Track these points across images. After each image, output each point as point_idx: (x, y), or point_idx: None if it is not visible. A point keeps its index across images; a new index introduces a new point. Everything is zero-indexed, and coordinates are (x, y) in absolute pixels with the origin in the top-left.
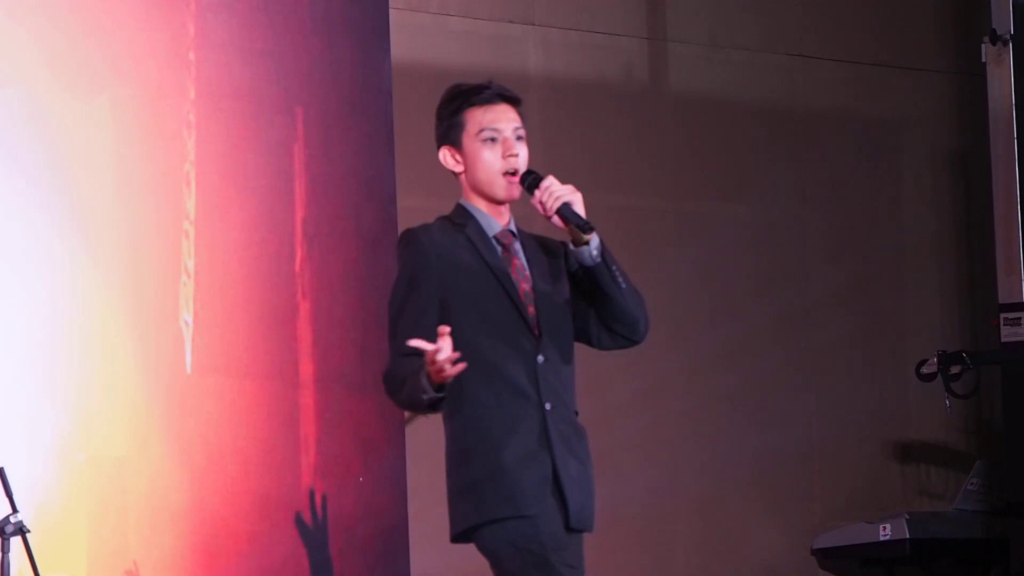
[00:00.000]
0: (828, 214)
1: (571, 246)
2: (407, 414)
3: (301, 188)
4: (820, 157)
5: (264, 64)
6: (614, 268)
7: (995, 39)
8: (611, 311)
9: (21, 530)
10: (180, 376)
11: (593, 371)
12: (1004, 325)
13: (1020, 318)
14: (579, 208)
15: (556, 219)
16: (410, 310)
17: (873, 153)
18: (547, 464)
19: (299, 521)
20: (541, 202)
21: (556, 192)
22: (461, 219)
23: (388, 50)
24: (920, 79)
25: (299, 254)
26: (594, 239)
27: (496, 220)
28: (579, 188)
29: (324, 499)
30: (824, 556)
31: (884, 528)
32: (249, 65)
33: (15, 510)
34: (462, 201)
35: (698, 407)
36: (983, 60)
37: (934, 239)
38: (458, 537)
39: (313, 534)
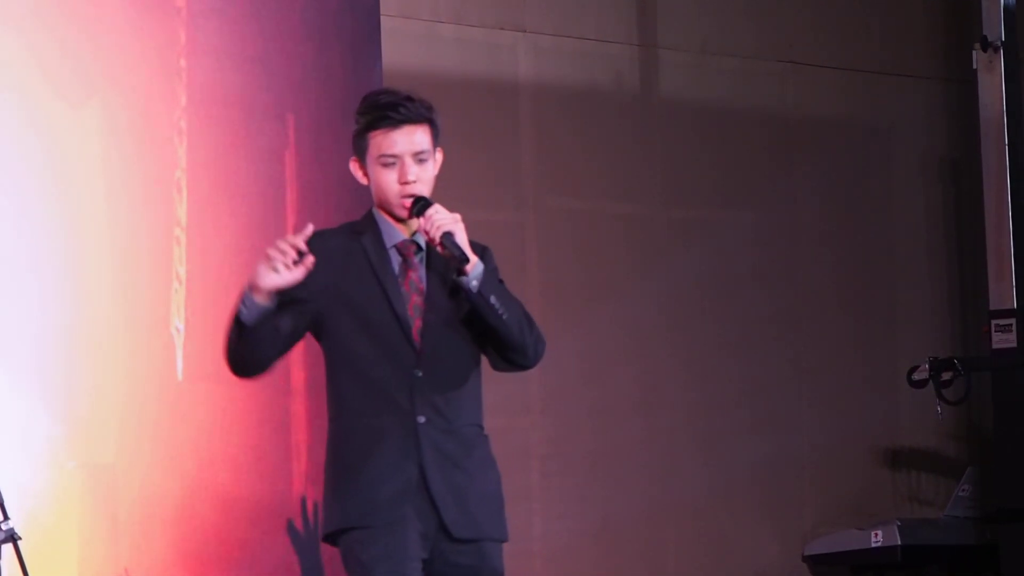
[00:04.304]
0: (819, 220)
1: (454, 274)
2: None
3: (292, 195)
4: (811, 164)
5: (255, 71)
6: (492, 299)
7: (986, 46)
8: (494, 339)
9: (12, 537)
10: (171, 383)
11: (584, 377)
12: (995, 331)
13: (1011, 324)
14: (461, 238)
15: (439, 247)
16: (292, 296)
17: (864, 159)
18: (411, 476)
19: (291, 528)
20: (425, 230)
21: (437, 222)
22: (362, 227)
23: (379, 57)
24: (911, 86)
25: None
26: (476, 269)
27: (399, 230)
28: (570, 194)
29: (316, 506)
30: (815, 563)
31: (875, 534)
32: (240, 72)
33: (6, 517)
34: (372, 208)
35: (691, 414)
36: (974, 67)
37: (926, 245)
38: (326, 538)
39: (304, 541)
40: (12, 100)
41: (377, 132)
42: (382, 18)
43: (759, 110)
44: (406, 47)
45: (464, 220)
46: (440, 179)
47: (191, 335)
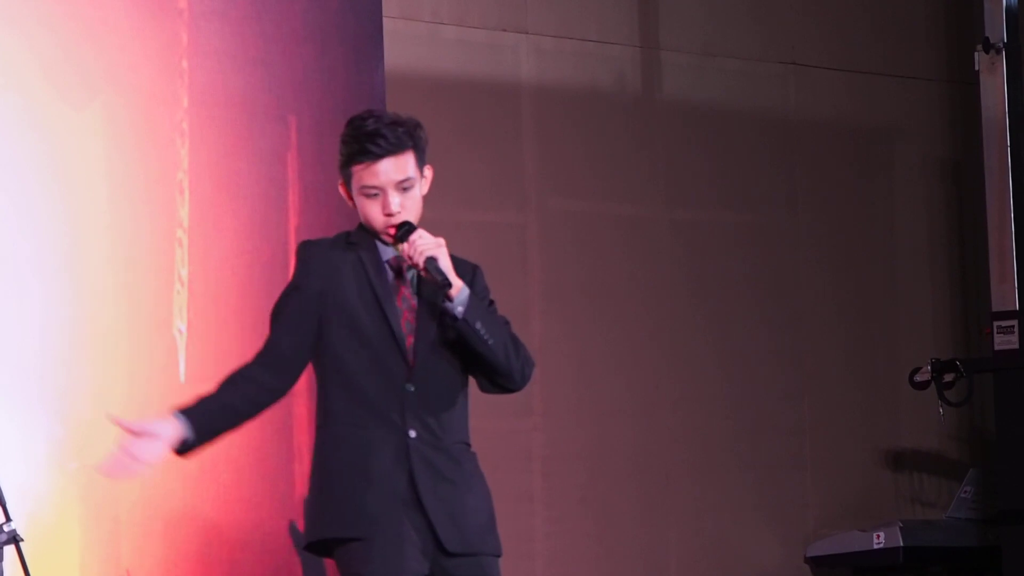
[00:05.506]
0: (821, 222)
1: (440, 300)
2: None
3: (294, 197)
4: (813, 165)
5: (257, 72)
6: (478, 325)
7: (988, 47)
8: (480, 364)
9: (14, 539)
10: (174, 385)
11: (585, 378)
12: (997, 333)
13: (1013, 326)
14: (445, 263)
15: (423, 272)
16: (289, 312)
17: (866, 161)
18: (401, 488)
19: (292, 530)
20: (408, 255)
21: (420, 247)
22: (357, 238)
23: (381, 58)
24: (913, 87)
25: (293, 263)
26: (461, 294)
27: (391, 247)
28: (572, 196)
29: None
30: (817, 564)
31: (877, 536)
32: (242, 73)
33: (8, 519)
34: (363, 222)
35: (692, 415)
36: (976, 68)
37: (927, 247)
38: (309, 547)
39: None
40: (15, 102)
41: (358, 165)
42: (384, 19)
43: (761, 112)
44: (408, 48)
45: (466, 221)
46: (442, 180)
47: (193, 337)
